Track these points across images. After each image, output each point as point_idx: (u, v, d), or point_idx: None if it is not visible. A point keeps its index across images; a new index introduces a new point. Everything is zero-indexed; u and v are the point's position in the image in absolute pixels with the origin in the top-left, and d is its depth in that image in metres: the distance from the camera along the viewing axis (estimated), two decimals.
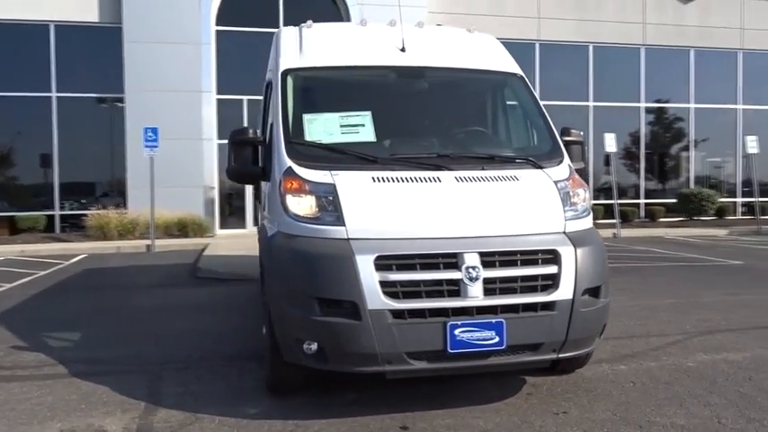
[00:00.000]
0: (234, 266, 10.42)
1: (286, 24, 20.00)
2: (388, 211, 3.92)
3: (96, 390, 4.56)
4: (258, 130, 4.88)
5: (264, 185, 4.75)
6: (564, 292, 3.84)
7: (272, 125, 4.68)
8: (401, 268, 3.71)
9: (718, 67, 20.83)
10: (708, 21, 20.47)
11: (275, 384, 4.33)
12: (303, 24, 5.49)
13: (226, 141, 4.79)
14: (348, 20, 18.09)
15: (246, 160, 4.62)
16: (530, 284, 3.83)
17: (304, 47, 5.10)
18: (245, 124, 18.01)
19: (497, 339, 3.71)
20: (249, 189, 17.96)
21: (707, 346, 5.48)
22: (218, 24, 17.67)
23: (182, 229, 16.33)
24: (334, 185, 3.99)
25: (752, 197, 18.52)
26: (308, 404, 4.16)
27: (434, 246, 3.79)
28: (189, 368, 5.09)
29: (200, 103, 17.32)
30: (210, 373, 4.94)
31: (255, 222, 18.07)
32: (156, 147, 14.41)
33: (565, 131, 4.88)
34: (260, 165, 4.63)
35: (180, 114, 16.79)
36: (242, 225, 18.09)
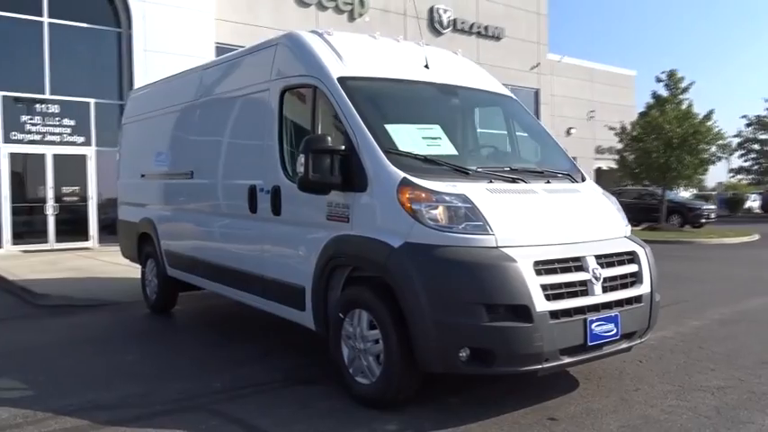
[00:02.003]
0: (83, 291, 9.01)
1: (52, 11, 17.37)
2: (519, 219, 4.21)
3: None
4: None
5: (338, 196, 4.53)
6: (646, 286, 4.57)
7: (345, 134, 4.53)
8: (548, 272, 4.04)
9: None
10: None
11: (389, 398, 4.23)
12: (321, 31, 5.35)
13: None
14: (126, 14, 16.64)
15: (326, 170, 4.42)
16: (624, 282, 4.46)
17: (342, 55, 5.02)
18: (1, 124, 15.37)
19: (615, 330, 4.28)
20: (5, 201, 15.32)
21: None
22: None
23: None
24: (466, 196, 4.13)
25: None
26: (434, 411, 4.21)
27: (566, 251, 4.20)
28: (236, 398, 4.60)
29: None
30: (275, 399, 4.55)
31: (17, 240, 15.45)
32: None
33: None
34: (337, 174, 4.46)
35: None
36: None
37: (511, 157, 5.34)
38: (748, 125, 36.13)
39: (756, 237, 19.65)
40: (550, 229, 4.31)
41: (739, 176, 39.78)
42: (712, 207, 26.71)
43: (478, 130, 5.67)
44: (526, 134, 5.69)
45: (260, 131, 5.47)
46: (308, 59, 5.05)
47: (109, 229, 16.93)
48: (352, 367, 4.47)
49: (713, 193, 42.61)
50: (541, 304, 3.91)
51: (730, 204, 37.02)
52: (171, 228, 7.29)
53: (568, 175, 5.13)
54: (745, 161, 37.73)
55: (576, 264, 4.20)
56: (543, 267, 4.02)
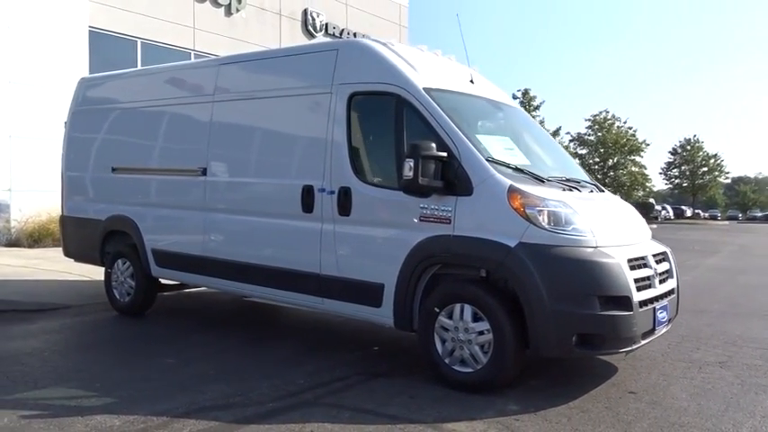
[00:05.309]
0: (15, 294, 8.14)
1: None
2: (602, 222, 4.88)
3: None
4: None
5: (437, 199, 4.85)
6: (675, 281, 5.47)
7: (442, 142, 4.85)
8: (633, 268, 4.75)
9: None
10: (249, 37, 21.02)
11: (499, 383, 4.66)
12: (384, 41, 5.62)
13: None
14: None
15: (432, 175, 4.74)
16: (665, 277, 5.32)
17: (415, 66, 5.35)
18: None
19: (667, 317, 5.12)
20: None
21: None
22: None
23: None
24: (566, 201, 4.71)
25: None
26: (529, 392, 4.72)
27: (636, 250, 4.95)
28: (338, 391, 4.76)
29: None
30: (375, 391, 4.76)
31: None
32: None
33: None
34: (439, 179, 4.80)
35: None
36: None
37: (556, 168, 5.98)
38: (571, 141, 40.93)
39: None
40: (622, 230, 5.06)
41: None
42: None
43: (523, 141, 6.19)
44: (544, 145, 6.36)
45: (320, 134, 5.55)
46: (387, 68, 5.29)
47: None
48: (449, 357, 4.84)
49: None
50: (635, 295, 4.61)
51: None
52: (165, 226, 6.96)
53: (594, 184, 5.92)
54: None
55: (643, 261, 4.96)
56: (630, 264, 4.73)
